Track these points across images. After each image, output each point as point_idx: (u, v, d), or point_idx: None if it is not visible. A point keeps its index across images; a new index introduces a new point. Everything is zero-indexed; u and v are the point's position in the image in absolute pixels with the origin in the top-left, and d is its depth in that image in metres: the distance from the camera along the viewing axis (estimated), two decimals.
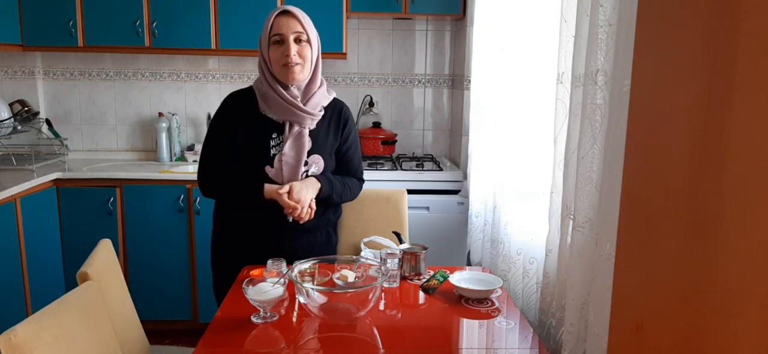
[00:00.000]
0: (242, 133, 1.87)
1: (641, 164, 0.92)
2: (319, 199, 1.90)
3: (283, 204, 1.82)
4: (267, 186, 1.84)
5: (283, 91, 1.84)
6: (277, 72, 1.83)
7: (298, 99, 1.85)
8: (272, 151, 1.86)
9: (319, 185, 1.88)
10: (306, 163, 1.88)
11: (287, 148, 1.85)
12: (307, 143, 1.87)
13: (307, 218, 1.86)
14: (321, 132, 1.92)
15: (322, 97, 1.91)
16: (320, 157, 1.91)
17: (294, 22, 1.80)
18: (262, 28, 1.86)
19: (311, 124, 1.89)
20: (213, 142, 1.93)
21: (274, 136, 1.87)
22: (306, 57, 1.83)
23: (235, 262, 1.93)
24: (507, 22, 2.23)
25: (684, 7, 0.82)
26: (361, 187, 2.08)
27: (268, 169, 1.85)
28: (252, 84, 1.96)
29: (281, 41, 1.80)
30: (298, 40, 1.81)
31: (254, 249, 1.91)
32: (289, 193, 1.82)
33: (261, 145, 1.86)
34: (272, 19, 1.81)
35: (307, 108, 1.86)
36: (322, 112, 1.92)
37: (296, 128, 1.86)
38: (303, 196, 1.83)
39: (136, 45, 3.12)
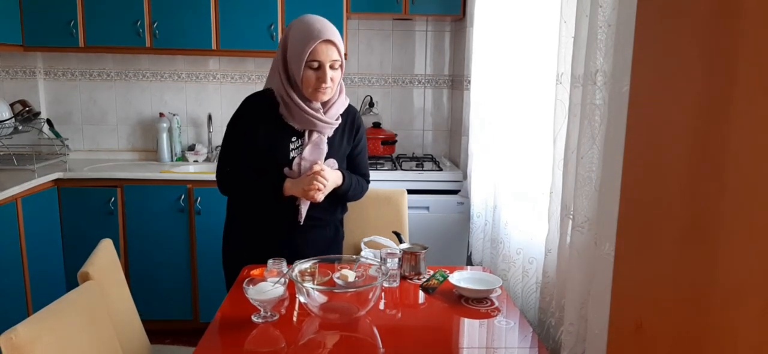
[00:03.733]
0: (263, 136, 1.91)
1: (640, 164, 0.93)
2: (339, 191, 1.96)
3: (310, 178, 1.85)
4: (288, 181, 1.88)
5: (304, 105, 1.88)
6: (307, 92, 1.87)
7: (320, 111, 1.90)
8: (292, 154, 1.91)
9: (342, 177, 1.95)
10: None
11: (307, 153, 1.90)
12: (325, 149, 1.93)
13: (320, 198, 1.89)
14: (336, 138, 1.98)
15: (340, 106, 1.96)
16: (335, 161, 1.97)
17: (333, 50, 1.83)
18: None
19: (330, 131, 1.94)
20: (233, 144, 1.97)
21: (293, 139, 1.92)
22: (337, 81, 1.89)
23: (248, 257, 1.98)
24: (507, 23, 2.24)
25: (683, 7, 0.82)
26: (368, 187, 2.14)
27: (286, 170, 1.91)
28: (266, 86, 1.98)
29: (318, 68, 1.83)
30: (332, 67, 1.85)
31: (267, 243, 1.96)
32: (321, 171, 1.86)
33: (281, 148, 1.91)
34: (313, 45, 1.79)
35: (327, 117, 1.91)
36: (340, 120, 1.96)
37: (315, 135, 1.92)
38: (330, 177, 1.89)
39: (137, 45, 3.12)
